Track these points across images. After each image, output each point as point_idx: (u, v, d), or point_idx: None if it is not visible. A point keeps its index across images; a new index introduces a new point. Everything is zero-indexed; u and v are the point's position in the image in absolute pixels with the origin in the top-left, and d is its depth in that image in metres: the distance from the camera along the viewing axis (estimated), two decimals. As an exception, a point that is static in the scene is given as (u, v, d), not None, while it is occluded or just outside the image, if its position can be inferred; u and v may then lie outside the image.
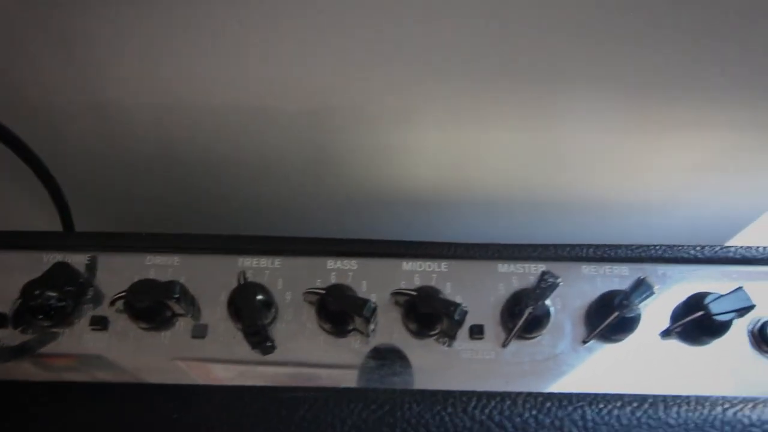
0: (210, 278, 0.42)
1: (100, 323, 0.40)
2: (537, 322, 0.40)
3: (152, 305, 0.39)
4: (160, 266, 0.42)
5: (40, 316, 0.39)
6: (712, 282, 0.43)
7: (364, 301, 0.38)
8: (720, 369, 0.40)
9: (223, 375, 0.39)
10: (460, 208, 0.62)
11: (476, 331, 0.40)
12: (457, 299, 0.41)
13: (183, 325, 0.41)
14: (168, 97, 0.48)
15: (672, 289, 0.42)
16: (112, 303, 0.40)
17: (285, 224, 0.63)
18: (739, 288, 0.39)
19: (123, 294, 0.39)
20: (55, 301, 0.39)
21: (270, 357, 0.40)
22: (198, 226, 0.62)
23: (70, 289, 0.40)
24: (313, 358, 0.40)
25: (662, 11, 0.40)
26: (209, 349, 0.40)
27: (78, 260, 0.43)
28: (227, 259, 0.43)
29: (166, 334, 0.41)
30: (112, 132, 0.51)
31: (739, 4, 0.40)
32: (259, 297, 0.40)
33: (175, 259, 0.43)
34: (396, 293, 0.40)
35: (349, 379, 0.39)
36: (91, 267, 0.43)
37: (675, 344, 0.41)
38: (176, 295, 0.39)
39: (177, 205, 0.59)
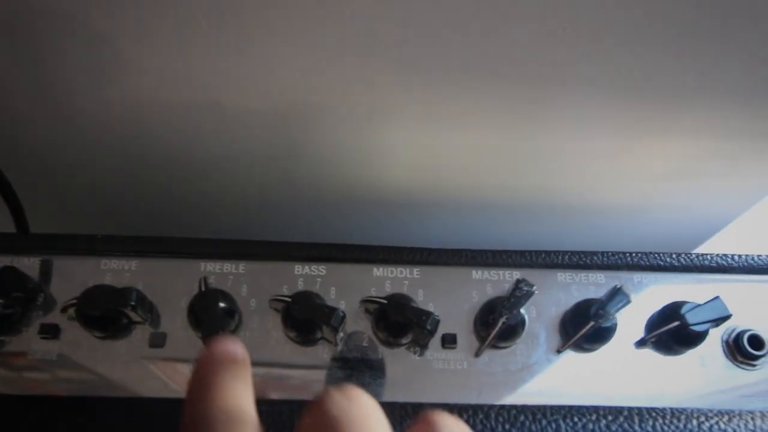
0: (169, 284, 0.40)
1: (50, 331, 0.38)
2: (511, 331, 0.38)
3: (107, 313, 0.37)
4: (116, 271, 0.40)
5: (-15, 324, 0.37)
6: (688, 290, 0.42)
7: (332, 310, 0.36)
8: (694, 379, 0.39)
9: (183, 387, 0.37)
10: (433, 210, 0.61)
11: (449, 340, 0.39)
12: (430, 307, 0.40)
13: (140, 333, 0.39)
14: (132, 95, 0.46)
15: (647, 297, 0.42)
16: (64, 310, 0.37)
17: (252, 226, 0.61)
18: (716, 297, 0.38)
19: (75, 301, 0.37)
20: (1, 308, 0.37)
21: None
22: (159, 228, 0.60)
23: (19, 296, 0.38)
24: (278, 368, 0.38)
25: (637, 16, 0.39)
26: (168, 359, 0.38)
27: (28, 264, 0.40)
28: (188, 264, 0.41)
29: (122, 343, 0.38)
30: (70, 129, 0.49)
31: (715, 11, 0.39)
32: (222, 304, 0.38)
33: (132, 263, 0.41)
34: (366, 301, 0.39)
35: (316, 390, 0.38)
36: (43, 271, 0.40)
37: (650, 354, 0.40)
38: (132, 302, 0.36)
39: (138, 206, 0.57)
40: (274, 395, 0.38)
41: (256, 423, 0.25)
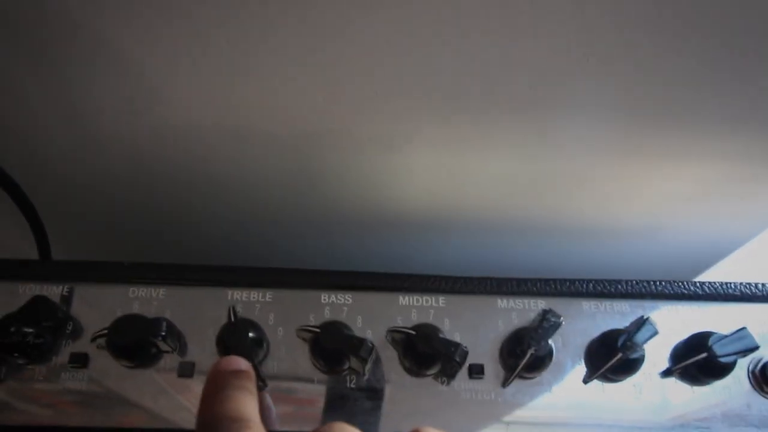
0: (197, 312, 0.40)
1: (79, 360, 0.38)
2: (539, 362, 0.39)
3: (136, 343, 0.37)
4: (144, 299, 0.40)
5: (16, 354, 0.37)
6: (713, 319, 0.42)
7: (361, 341, 0.36)
8: (720, 410, 0.39)
9: (212, 417, 0.37)
10: (452, 232, 0.61)
11: (476, 371, 0.39)
12: (456, 336, 0.40)
13: (168, 362, 0.39)
14: (151, 121, 0.46)
15: (672, 325, 0.42)
16: (93, 339, 0.38)
17: (274, 250, 0.61)
18: (743, 328, 0.38)
19: (105, 331, 0.37)
20: (32, 337, 0.37)
21: (262, 398, 0.38)
22: (182, 254, 0.60)
23: (48, 325, 0.38)
24: (306, 397, 0.38)
25: (654, 42, 0.40)
26: (196, 389, 0.38)
27: (54, 291, 0.41)
28: (216, 292, 0.41)
29: (150, 372, 0.38)
30: (91, 156, 0.49)
31: (730, 38, 0.39)
32: (251, 334, 0.38)
33: (160, 291, 0.41)
34: (393, 330, 0.39)
35: (343, 420, 0.38)
36: (70, 299, 0.40)
37: (676, 384, 0.40)
38: (163, 333, 0.37)
39: (160, 232, 0.57)
40: (301, 427, 0.38)
41: (259, 426, 0.28)
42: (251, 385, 0.32)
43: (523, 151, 0.51)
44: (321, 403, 0.39)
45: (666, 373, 0.40)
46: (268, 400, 0.38)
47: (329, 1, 0.37)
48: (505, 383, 0.39)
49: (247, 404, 0.30)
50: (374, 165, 0.53)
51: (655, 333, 0.38)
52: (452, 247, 0.63)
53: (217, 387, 0.31)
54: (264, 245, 0.60)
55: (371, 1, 0.36)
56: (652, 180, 0.55)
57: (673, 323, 0.42)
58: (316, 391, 0.39)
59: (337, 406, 0.39)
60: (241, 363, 0.33)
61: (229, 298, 0.41)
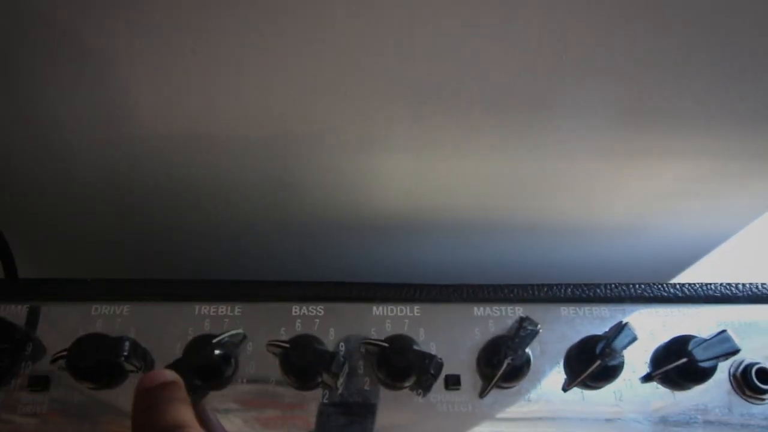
0: (163, 328, 0.39)
1: (40, 383, 0.37)
2: (517, 371, 0.38)
3: (99, 363, 0.35)
4: (107, 316, 0.39)
5: (-29, 378, 0.36)
6: (693, 322, 0.41)
7: (333, 355, 0.35)
8: (702, 415, 0.38)
9: (179, 438, 0.36)
10: (429, 235, 0.60)
11: (452, 382, 0.38)
12: (431, 347, 0.39)
13: (134, 382, 0.37)
14: (122, 129, 0.45)
15: (652, 329, 0.41)
16: (53, 361, 0.36)
17: (245, 257, 0.59)
18: (723, 331, 0.37)
19: (65, 352, 0.35)
20: (-12, 361, 0.35)
21: (233, 415, 0.37)
22: (150, 268, 0.58)
23: (6, 347, 0.36)
24: (279, 414, 0.37)
25: (630, 40, 0.39)
26: (163, 409, 0.37)
27: (16, 311, 0.39)
28: (182, 307, 0.40)
29: (115, 393, 0.37)
30: (62, 167, 0.47)
31: (709, 36, 0.39)
32: (217, 351, 0.36)
33: (124, 308, 0.39)
34: (366, 343, 0.38)
35: (317, 437, 0.37)
36: (31, 319, 0.39)
37: (657, 389, 0.39)
38: (125, 353, 0.35)
39: (127, 246, 0.55)
40: (274, 443, 0.37)
41: (199, 429, 0.28)
42: (182, 394, 0.31)
43: (502, 152, 0.51)
44: (295, 419, 0.37)
45: (646, 379, 0.39)
46: (207, 413, 0.37)
47: (301, 6, 0.36)
48: (482, 394, 0.38)
49: (181, 411, 0.29)
50: (351, 168, 0.51)
51: (635, 339, 0.37)
52: (433, 249, 0.62)
53: (146, 403, 0.30)
54: (241, 251, 0.59)
55: (343, 4, 0.35)
56: (632, 179, 0.55)
57: (653, 327, 0.41)
58: (288, 407, 0.37)
59: (311, 422, 0.37)
60: (167, 375, 0.32)
61: (196, 313, 0.39)
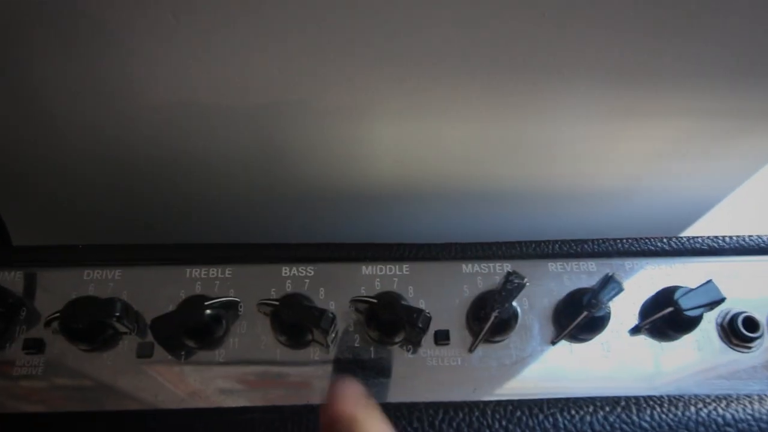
0: (155, 291, 0.39)
1: (34, 346, 0.37)
2: (504, 325, 0.38)
3: (91, 325, 0.36)
4: (99, 281, 0.39)
5: (-33, 342, 0.36)
6: (680, 274, 0.42)
7: (321, 312, 0.36)
8: (690, 365, 0.39)
9: (172, 397, 0.36)
10: (421, 202, 0.60)
11: (441, 337, 0.39)
12: (420, 304, 0.40)
13: (128, 343, 0.38)
14: (107, 99, 0.45)
15: (640, 283, 0.41)
16: (47, 324, 0.37)
17: (237, 227, 0.60)
18: (709, 281, 0.38)
19: (58, 314, 0.36)
20: (-18, 325, 0.36)
21: (224, 375, 0.37)
22: (142, 234, 0.59)
23: (1, 311, 0.37)
24: (270, 373, 0.38)
25: (620, 2, 0.39)
26: (156, 369, 0.37)
27: (11, 278, 0.39)
28: (173, 270, 0.40)
29: (108, 355, 0.38)
30: (48, 134, 0.48)
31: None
32: (208, 311, 0.37)
33: (116, 273, 0.40)
34: (355, 300, 0.38)
35: (308, 395, 0.37)
36: (26, 285, 0.39)
37: (645, 341, 0.39)
38: (117, 313, 0.36)
39: (119, 212, 0.56)
40: (265, 402, 0.37)
41: None
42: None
43: (490, 115, 0.50)
44: (285, 379, 0.38)
45: (634, 330, 0.40)
46: None
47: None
48: (471, 348, 0.38)
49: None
50: (337, 136, 0.52)
51: (621, 290, 0.37)
52: (424, 216, 0.62)
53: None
54: (231, 221, 0.59)
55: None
56: (621, 140, 0.55)
57: (641, 280, 0.41)
58: (280, 367, 0.38)
59: (302, 381, 0.38)
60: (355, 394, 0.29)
61: (187, 276, 0.40)
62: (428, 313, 0.36)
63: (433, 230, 0.64)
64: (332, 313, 0.36)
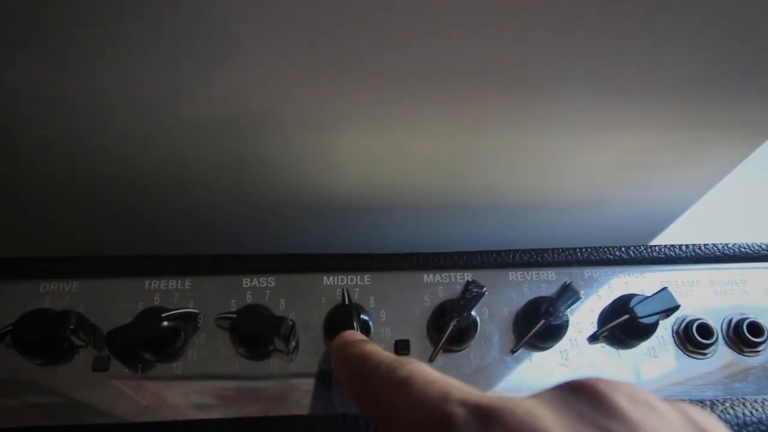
0: (113, 304, 0.39)
1: (-14, 361, 0.36)
2: (464, 334, 0.38)
3: (46, 338, 0.35)
4: (56, 293, 0.39)
5: None
6: (639, 283, 0.42)
7: (281, 320, 0.36)
8: (647, 371, 0.39)
9: (129, 410, 0.36)
10: (387, 214, 0.60)
11: (402, 347, 0.39)
12: (381, 314, 0.40)
13: (83, 357, 0.37)
14: (68, 110, 0.44)
15: (599, 291, 0.42)
16: (0, 338, 0.36)
17: (202, 240, 0.59)
18: (664, 289, 0.38)
19: (10, 327, 0.35)
20: (-69, 340, 0.35)
21: (182, 387, 0.37)
22: (102, 246, 0.58)
23: (-50, 326, 0.36)
24: (229, 387, 0.37)
25: (580, 12, 0.39)
26: (113, 382, 0.37)
27: (-33, 291, 0.39)
28: (132, 282, 0.40)
29: (63, 369, 0.37)
30: (14, 151, 0.47)
31: (653, 4, 0.39)
32: (165, 323, 0.36)
33: (73, 285, 0.39)
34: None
35: (267, 407, 0.37)
36: (-18, 298, 0.39)
37: (603, 348, 0.40)
38: (72, 326, 0.35)
39: (80, 225, 0.55)
40: (225, 415, 0.37)
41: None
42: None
43: (456, 127, 0.51)
44: (245, 391, 0.38)
45: (592, 338, 0.40)
46: None
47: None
48: (431, 357, 0.38)
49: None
50: (304, 148, 0.51)
51: (578, 299, 0.38)
52: (388, 228, 0.62)
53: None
54: (194, 233, 0.58)
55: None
56: (586, 151, 0.55)
57: (600, 289, 0.42)
58: (240, 380, 0.38)
59: (262, 393, 0.38)
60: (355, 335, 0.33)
61: (146, 288, 0.40)
62: (291, 321, 0.36)
63: (397, 241, 0.64)
64: (291, 320, 0.36)
